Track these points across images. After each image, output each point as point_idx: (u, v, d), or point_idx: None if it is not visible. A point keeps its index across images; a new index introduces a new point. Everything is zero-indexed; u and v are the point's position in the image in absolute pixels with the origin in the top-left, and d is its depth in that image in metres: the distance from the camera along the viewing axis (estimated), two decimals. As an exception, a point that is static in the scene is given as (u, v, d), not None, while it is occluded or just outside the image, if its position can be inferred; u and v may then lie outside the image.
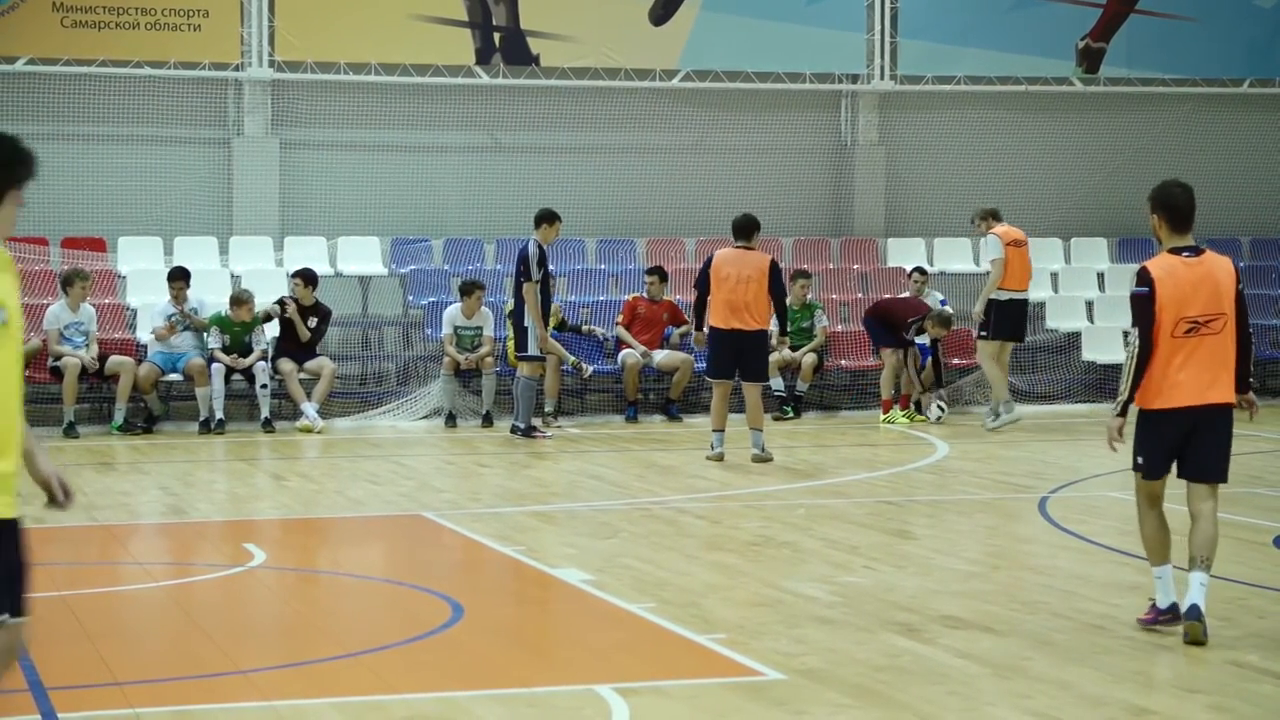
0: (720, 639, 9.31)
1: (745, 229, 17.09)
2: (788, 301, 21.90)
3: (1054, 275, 24.71)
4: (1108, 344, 23.43)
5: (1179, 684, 8.47)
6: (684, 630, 9.56)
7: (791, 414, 21.24)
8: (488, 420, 20.49)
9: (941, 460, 17.46)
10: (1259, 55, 26.48)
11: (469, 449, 18.62)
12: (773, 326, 18.09)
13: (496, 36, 23.94)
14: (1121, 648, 9.17)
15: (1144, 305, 9.23)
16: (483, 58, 23.89)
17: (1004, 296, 19.44)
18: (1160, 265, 9.33)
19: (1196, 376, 9.27)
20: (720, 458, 16.92)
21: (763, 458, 16.81)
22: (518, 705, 8.04)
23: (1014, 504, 14.58)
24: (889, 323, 21.10)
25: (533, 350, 18.88)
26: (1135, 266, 9.74)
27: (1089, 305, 24.10)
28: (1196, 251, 9.34)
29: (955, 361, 22.25)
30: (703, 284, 17.15)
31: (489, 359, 20.59)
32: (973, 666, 8.76)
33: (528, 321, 18.76)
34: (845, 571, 11.37)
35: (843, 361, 22.33)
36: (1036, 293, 24.29)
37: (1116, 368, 23.31)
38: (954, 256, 24.95)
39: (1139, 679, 8.53)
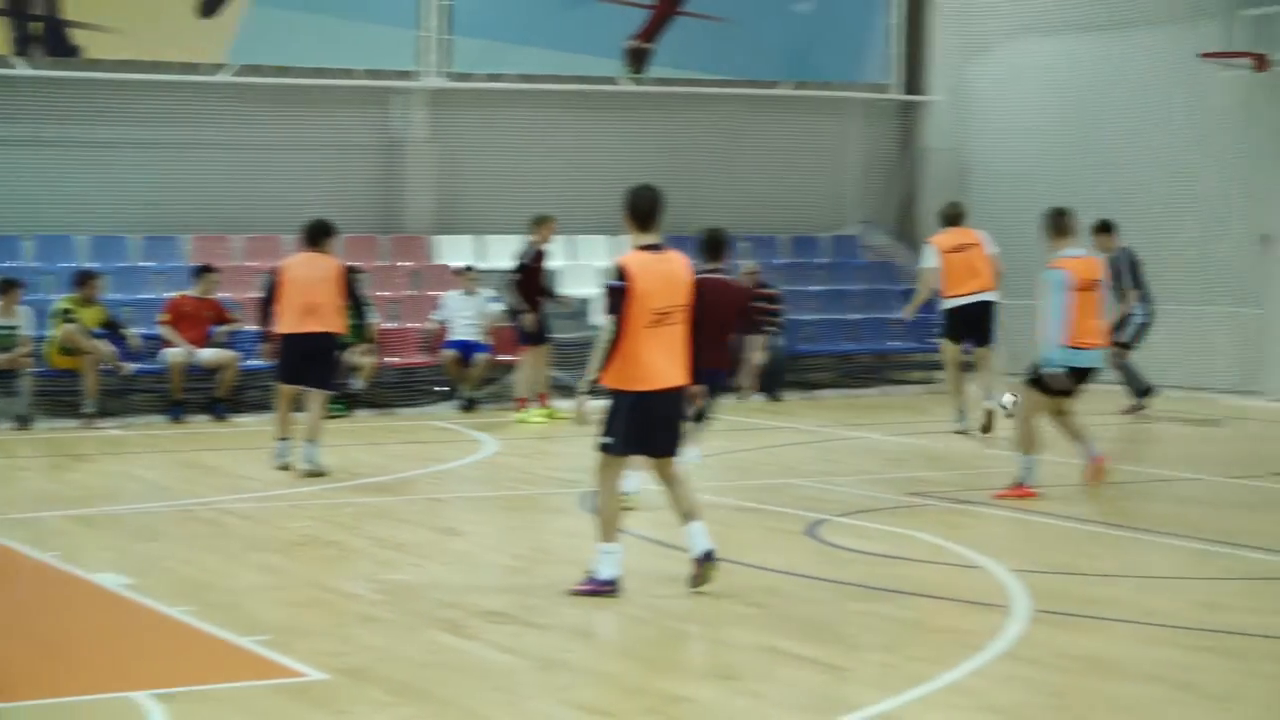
0: (264, 640, 9.19)
1: (314, 234, 16.09)
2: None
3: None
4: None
5: (717, 672, 8.68)
6: (226, 633, 9.40)
7: (345, 411, 21.06)
8: (25, 422, 19.80)
9: (491, 456, 17.55)
10: (798, 59, 27.28)
11: (4, 452, 17.96)
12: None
13: (35, 26, 23.12)
14: (662, 638, 9.36)
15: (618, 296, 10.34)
16: (21, 48, 23.05)
17: (949, 304, 18.25)
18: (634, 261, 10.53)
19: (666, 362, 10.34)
20: (287, 468, 15.96)
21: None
22: (52, 716, 7.80)
23: (560, 499, 14.73)
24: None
25: None
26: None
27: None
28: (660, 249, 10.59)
29: (502, 358, 22.33)
30: (269, 290, 16.12)
31: (26, 359, 19.91)
32: (515, 660, 8.84)
33: None
34: (392, 569, 11.35)
35: (393, 359, 22.26)
36: (583, 289, 24.72)
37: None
38: (504, 253, 25.08)
39: (679, 668, 8.72)
